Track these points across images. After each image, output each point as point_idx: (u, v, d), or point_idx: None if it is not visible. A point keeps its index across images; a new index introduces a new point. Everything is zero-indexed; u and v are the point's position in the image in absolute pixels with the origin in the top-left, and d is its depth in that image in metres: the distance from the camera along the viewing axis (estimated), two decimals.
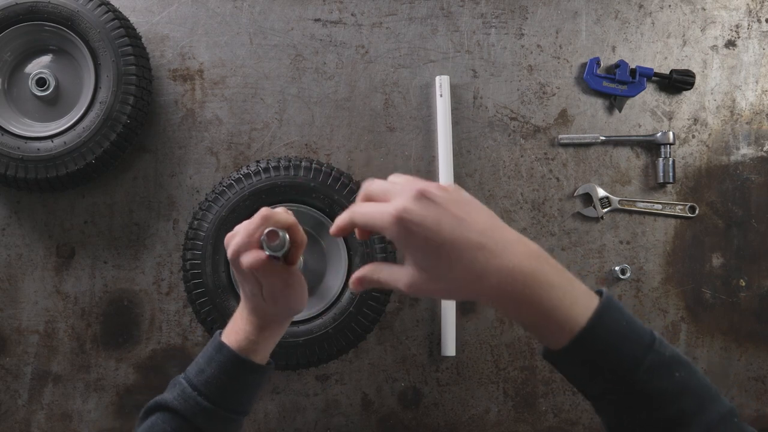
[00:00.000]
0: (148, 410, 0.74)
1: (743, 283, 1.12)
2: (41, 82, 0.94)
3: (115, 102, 0.92)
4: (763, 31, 1.15)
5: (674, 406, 0.55)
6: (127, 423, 1.00)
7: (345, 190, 0.95)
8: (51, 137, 0.92)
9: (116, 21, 0.92)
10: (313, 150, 1.05)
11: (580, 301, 0.55)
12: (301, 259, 0.94)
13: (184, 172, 1.02)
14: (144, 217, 1.01)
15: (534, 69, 1.09)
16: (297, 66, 1.05)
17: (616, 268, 1.08)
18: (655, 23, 1.12)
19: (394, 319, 1.05)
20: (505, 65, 1.09)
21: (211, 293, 0.93)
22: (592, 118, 1.10)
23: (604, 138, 1.09)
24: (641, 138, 1.10)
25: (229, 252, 0.69)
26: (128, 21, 0.96)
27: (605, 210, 1.09)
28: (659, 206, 1.10)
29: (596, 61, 1.09)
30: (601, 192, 1.09)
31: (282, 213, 0.70)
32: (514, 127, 1.09)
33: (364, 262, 0.95)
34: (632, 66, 1.10)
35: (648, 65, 1.10)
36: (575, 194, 1.09)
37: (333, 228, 0.62)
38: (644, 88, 1.10)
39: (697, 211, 1.11)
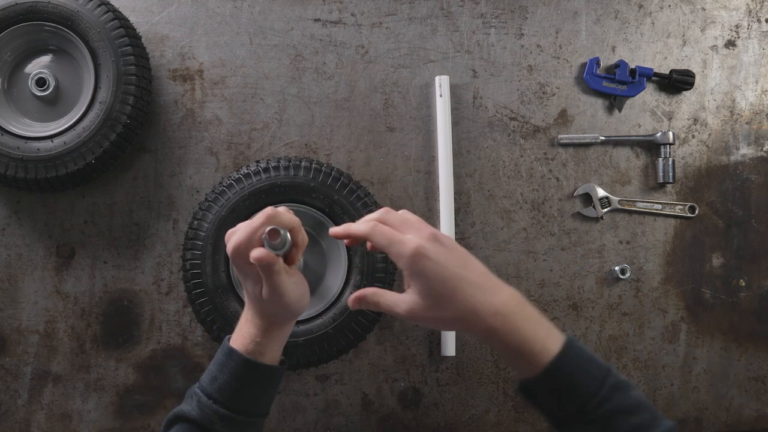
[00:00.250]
0: (168, 423, 0.74)
1: (743, 283, 1.12)
2: (41, 82, 0.94)
3: (115, 102, 0.92)
4: (763, 31, 1.15)
5: (634, 420, 0.63)
6: (127, 423, 1.00)
7: (345, 190, 0.95)
8: (51, 137, 0.92)
9: (116, 21, 0.92)
10: (313, 150, 1.05)
11: (552, 334, 0.65)
12: (301, 259, 0.94)
13: (184, 172, 1.02)
14: (144, 217, 1.01)
15: (534, 69, 1.09)
16: (297, 66, 1.05)
17: (616, 268, 1.08)
18: (654, 23, 1.12)
19: (394, 319, 1.05)
20: (505, 65, 1.09)
21: (210, 293, 0.93)
22: (591, 118, 1.10)
23: (603, 138, 1.09)
24: (641, 138, 1.10)
25: (229, 246, 0.69)
26: (128, 21, 0.96)
27: (605, 210, 1.09)
28: (659, 206, 1.10)
29: (596, 61, 1.09)
30: (601, 192, 1.09)
31: (286, 213, 0.71)
32: (513, 127, 1.09)
33: (363, 262, 0.95)
34: (632, 66, 1.10)
35: (648, 65, 1.10)
36: (575, 194, 1.09)
37: (343, 233, 0.72)
38: (644, 88, 1.10)
39: (697, 211, 1.11)
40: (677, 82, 1.10)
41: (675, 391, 1.10)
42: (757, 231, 1.13)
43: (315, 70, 1.05)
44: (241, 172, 0.95)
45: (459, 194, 1.06)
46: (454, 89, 1.07)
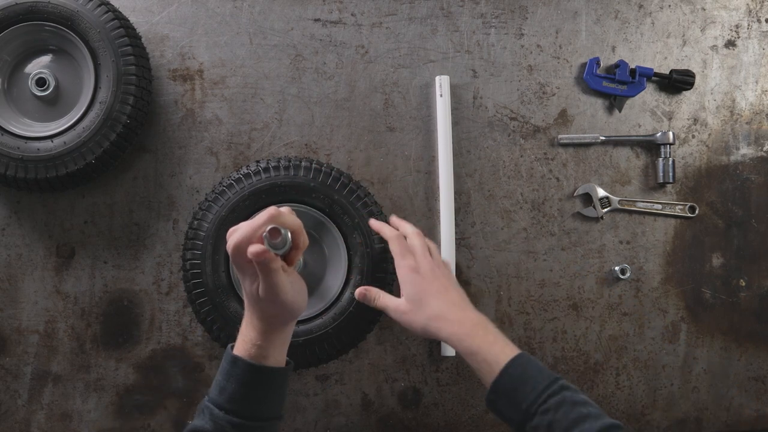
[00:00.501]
0: None
1: (743, 283, 1.12)
2: (41, 82, 0.94)
3: (115, 102, 0.92)
4: (763, 31, 1.15)
5: (583, 410, 0.73)
6: (127, 423, 1.00)
7: (345, 190, 0.95)
8: (51, 137, 0.92)
9: (116, 21, 0.92)
10: (313, 150, 1.05)
11: (507, 349, 0.78)
12: (301, 260, 0.94)
13: (184, 172, 1.02)
14: (144, 217, 1.01)
15: (534, 69, 1.09)
16: (297, 66, 1.05)
17: (616, 268, 1.08)
18: (655, 23, 1.12)
19: None
20: (505, 65, 1.09)
21: (210, 293, 0.93)
22: (592, 118, 1.10)
23: (604, 138, 1.09)
24: (641, 138, 1.10)
25: (230, 244, 0.69)
26: (128, 21, 0.96)
27: (605, 210, 1.09)
28: (659, 206, 1.10)
29: (596, 61, 1.09)
30: (601, 192, 1.09)
31: (289, 214, 0.71)
32: (513, 127, 1.09)
33: (363, 262, 0.95)
34: (632, 66, 1.10)
35: (648, 65, 1.10)
36: (575, 194, 1.09)
37: (377, 229, 0.93)
38: (644, 88, 1.10)
39: (697, 211, 1.11)
40: (677, 82, 1.10)
41: (675, 391, 1.10)
42: (757, 231, 1.13)
43: (315, 70, 1.05)
44: (241, 172, 0.95)
45: (459, 194, 1.06)
46: (454, 89, 1.07)
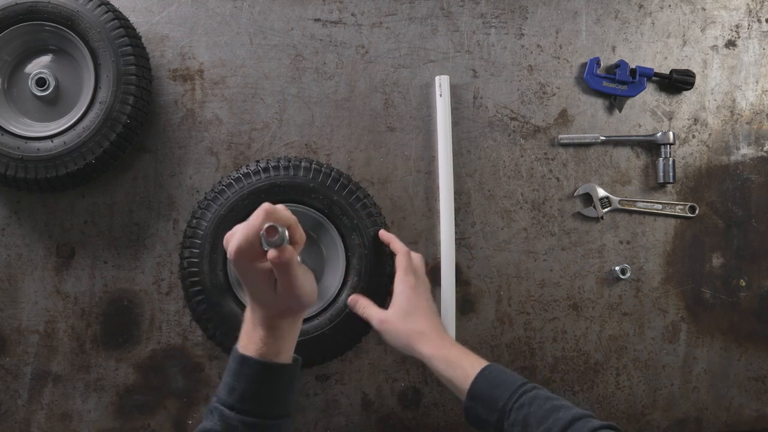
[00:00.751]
0: None
1: (743, 283, 1.12)
2: (41, 82, 0.94)
3: (115, 102, 0.92)
4: (763, 31, 1.15)
5: (556, 402, 0.77)
6: (127, 423, 1.00)
7: (344, 191, 0.95)
8: (51, 137, 0.92)
9: (116, 21, 0.92)
10: (313, 150, 1.05)
11: (477, 364, 0.84)
12: (299, 257, 0.94)
13: (184, 172, 1.02)
14: (144, 217, 1.01)
15: (534, 69, 1.09)
16: (297, 66, 1.05)
17: (616, 268, 1.08)
18: (655, 23, 1.12)
19: None
20: (505, 65, 1.09)
21: (208, 292, 0.93)
22: (592, 118, 1.10)
23: (604, 138, 1.09)
24: (641, 138, 1.10)
25: (231, 249, 0.69)
26: (128, 21, 0.96)
27: (605, 210, 1.09)
28: (659, 206, 1.10)
29: (596, 61, 1.09)
30: (601, 192, 1.08)
31: (283, 210, 0.71)
32: (514, 127, 1.09)
33: (361, 263, 0.95)
34: (632, 66, 1.10)
35: (648, 65, 1.10)
36: (575, 194, 1.09)
37: (387, 241, 0.96)
38: (644, 88, 1.10)
39: (697, 211, 1.11)
40: (677, 82, 1.10)
41: (675, 391, 1.10)
42: (757, 231, 1.13)
43: (315, 70, 1.05)
44: (241, 172, 0.95)
45: (459, 194, 1.06)
46: (454, 89, 1.07)
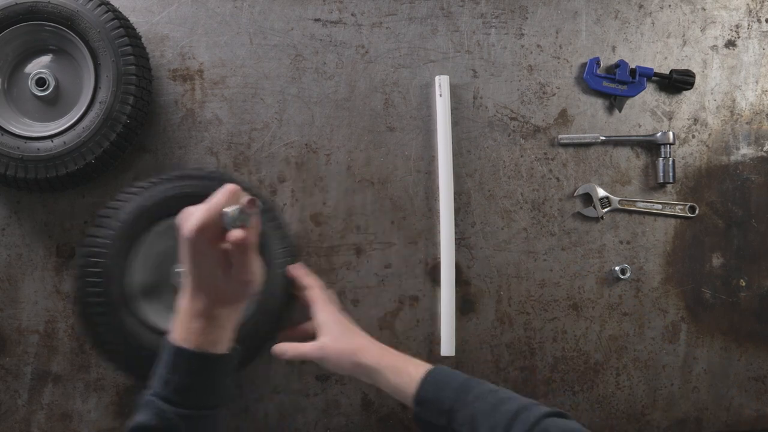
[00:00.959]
0: None
1: (743, 283, 1.12)
2: (41, 82, 0.94)
3: (115, 102, 0.92)
4: (763, 31, 1.15)
5: (500, 395, 0.77)
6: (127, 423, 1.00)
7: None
8: (51, 137, 0.92)
9: (116, 21, 0.92)
10: (313, 150, 1.05)
11: (422, 365, 0.84)
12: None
13: None
14: None
15: (534, 69, 1.09)
16: (297, 66, 1.05)
17: (616, 268, 1.08)
18: (655, 23, 1.12)
19: (394, 319, 1.05)
20: (505, 65, 1.09)
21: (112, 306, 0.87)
22: (592, 118, 1.10)
23: (604, 138, 1.09)
24: (641, 138, 1.10)
25: (190, 227, 0.68)
26: (128, 21, 0.96)
27: (605, 210, 1.09)
28: (659, 206, 1.10)
29: (596, 61, 1.09)
30: (601, 192, 1.09)
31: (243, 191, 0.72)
32: (514, 127, 1.09)
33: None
34: (632, 66, 1.10)
35: (648, 65, 1.10)
36: (575, 194, 1.09)
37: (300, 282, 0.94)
38: (644, 88, 1.10)
39: (697, 211, 1.11)
40: (677, 82, 1.10)
41: (675, 391, 1.10)
42: (757, 231, 1.13)
43: (315, 70, 1.05)
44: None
45: (459, 194, 1.06)
46: (454, 89, 1.07)
